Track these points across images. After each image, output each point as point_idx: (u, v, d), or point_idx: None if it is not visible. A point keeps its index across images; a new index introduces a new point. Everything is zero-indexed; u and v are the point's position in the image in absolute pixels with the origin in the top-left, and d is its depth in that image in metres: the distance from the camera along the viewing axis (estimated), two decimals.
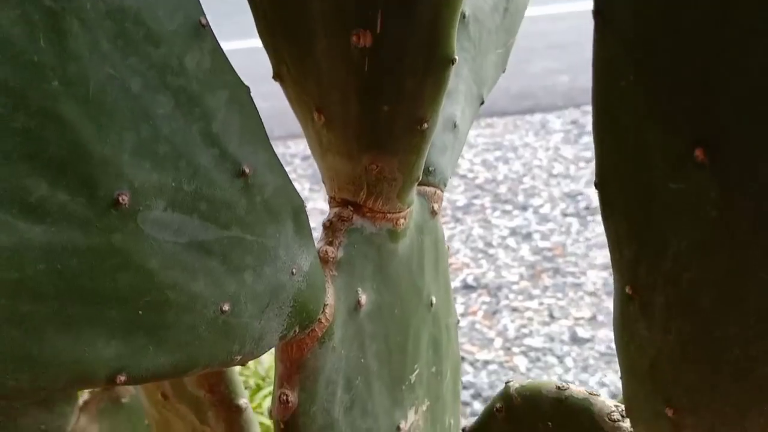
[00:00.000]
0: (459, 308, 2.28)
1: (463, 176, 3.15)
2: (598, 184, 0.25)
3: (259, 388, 1.50)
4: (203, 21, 0.26)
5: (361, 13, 0.31)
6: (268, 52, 0.36)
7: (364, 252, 0.36)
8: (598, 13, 0.21)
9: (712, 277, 0.21)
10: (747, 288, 0.20)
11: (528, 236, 2.81)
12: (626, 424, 0.30)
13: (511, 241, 2.77)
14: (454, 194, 2.98)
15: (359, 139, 0.34)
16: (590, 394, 0.31)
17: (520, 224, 2.89)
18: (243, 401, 0.45)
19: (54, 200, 0.22)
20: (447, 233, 2.55)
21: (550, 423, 0.32)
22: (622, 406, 0.30)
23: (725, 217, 0.20)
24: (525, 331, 2.35)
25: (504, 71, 0.49)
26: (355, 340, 0.37)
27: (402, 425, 0.41)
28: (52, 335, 0.23)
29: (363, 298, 0.36)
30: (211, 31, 0.26)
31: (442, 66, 0.31)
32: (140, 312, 0.26)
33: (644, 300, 0.24)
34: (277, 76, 0.37)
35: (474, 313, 2.36)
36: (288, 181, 0.31)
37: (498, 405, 0.35)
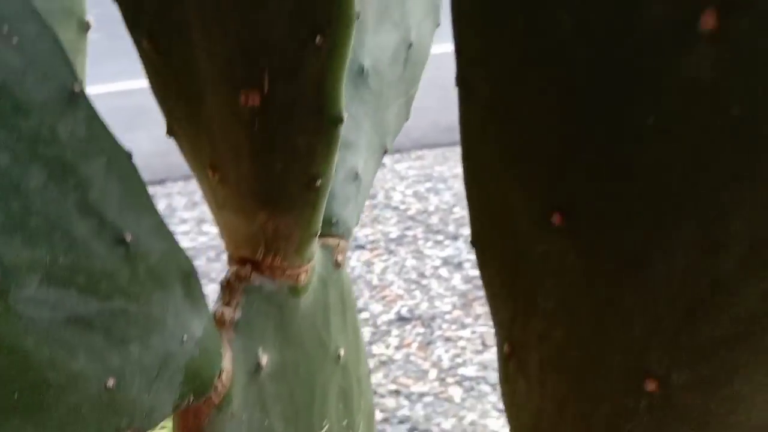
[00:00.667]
0: (394, 341, 2.28)
1: (396, 208, 3.18)
2: (474, 242, 0.25)
3: None
4: (77, 88, 0.25)
5: (248, 74, 0.31)
6: (161, 108, 0.36)
7: (264, 311, 0.36)
8: (460, 84, 0.22)
9: (578, 335, 0.22)
10: (609, 345, 0.21)
11: (459, 265, 2.85)
12: None
13: (443, 271, 2.81)
14: (387, 226, 3.01)
15: (254, 196, 0.34)
16: None
17: (451, 254, 2.93)
18: None
19: None
20: (381, 265, 2.55)
21: None
22: None
23: (583, 278, 0.21)
24: (459, 360, 2.36)
25: (407, 119, 0.49)
26: (257, 403, 0.36)
27: None
28: None
29: (264, 360, 0.36)
30: (86, 97, 0.26)
31: (332, 125, 0.31)
32: (15, 395, 0.24)
33: (521, 358, 0.25)
34: (170, 131, 0.36)
35: (408, 345, 2.36)
36: (175, 245, 0.30)
37: None
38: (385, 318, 2.21)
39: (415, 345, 2.42)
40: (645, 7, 0.16)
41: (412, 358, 2.33)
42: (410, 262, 2.94)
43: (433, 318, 2.56)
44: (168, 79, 0.34)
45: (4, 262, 0.23)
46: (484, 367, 2.34)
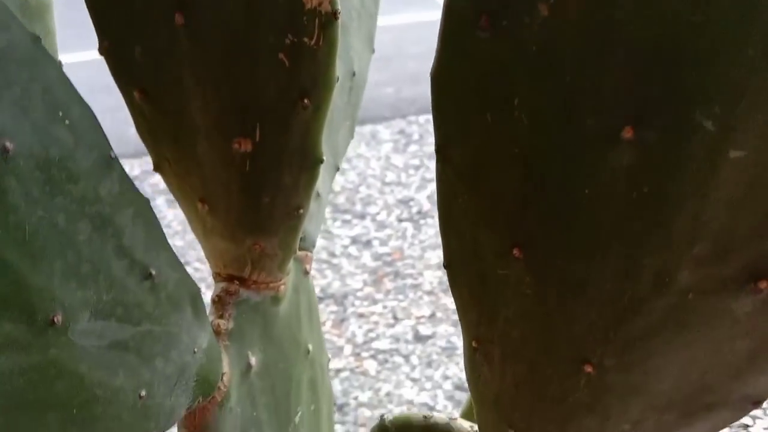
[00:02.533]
0: None
1: None
2: (446, 266, 0.32)
3: None
4: (112, 155, 0.29)
5: (241, 125, 0.36)
6: (147, 147, 0.40)
7: (252, 319, 0.41)
8: (438, 150, 0.29)
9: (531, 335, 0.30)
10: (556, 342, 0.29)
11: (368, 243, 2.94)
12: None
13: (353, 250, 2.88)
14: None
15: (242, 224, 0.39)
16: (450, 419, 0.39)
17: (360, 232, 3.01)
18: None
19: (1, 331, 0.25)
20: None
21: None
22: (476, 427, 0.39)
23: (537, 294, 0.28)
24: (372, 335, 2.46)
25: (353, 138, 0.56)
26: (248, 398, 0.42)
27: None
28: None
29: (253, 361, 0.41)
30: (118, 160, 0.30)
31: (314, 165, 0.37)
32: (74, 411, 0.29)
33: (485, 351, 0.32)
34: (157, 168, 0.41)
35: (323, 324, 2.42)
36: (185, 273, 0.35)
37: None
38: None
39: (329, 323, 2.49)
40: (583, 118, 0.23)
41: (327, 335, 2.40)
42: (320, 242, 2.98)
43: (345, 296, 2.63)
44: (158, 125, 0.38)
45: (65, 303, 0.28)
46: (396, 339, 2.44)
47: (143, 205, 0.32)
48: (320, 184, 0.49)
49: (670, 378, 0.28)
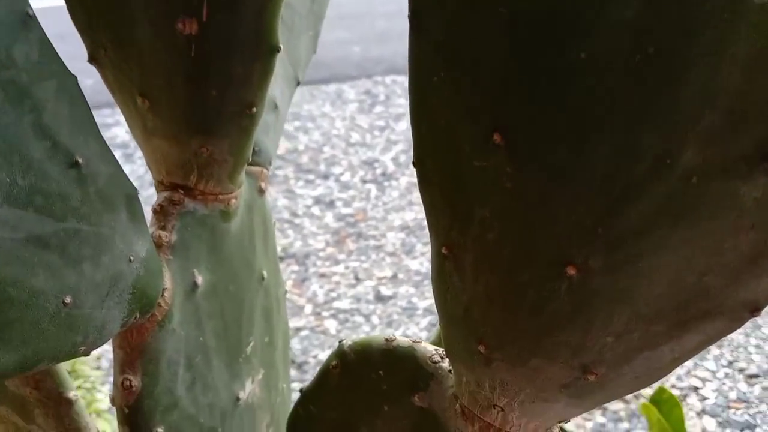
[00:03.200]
0: None
1: None
2: (416, 162, 0.29)
3: None
4: (30, 11, 0.25)
5: (185, 2, 0.32)
6: (82, 35, 0.35)
7: (198, 234, 0.37)
8: (413, 17, 0.25)
9: (509, 236, 0.26)
10: (536, 242, 0.26)
11: (331, 204, 2.90)
12: (445, 364, 0.35)
13: (315, 210, 2.84)
14: None
15: (188, 123, 0.35)
16: (413, 342, 0.35)
17: (323, 193, 2.97)
18: (72, 394, 0.44)
19: None
20: None
21: (381, 372, 0.36)
22: (441, 350, 0.36)
23: (518, 187, 0.25)
24: (333, 295, 2.44)
25: (315, 53, 0.51)
26: (193, 320, 0.38)
27: (241, 395, 0.43)
28: None
29: (199, 279, 0.38)
30: (38, 20, 0.26)
31: (269, 54, 0.33)
32: None
33: (457, 257, 0.29)
34: (93, 59, 0.36)
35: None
36: (120, 170, 0.31)
37: (334, 362, 0.38)
38: None
39: (290, 283, 2.45)
40: None
41: (288, 295, 2.37)
42: (282, 201, 2.94)
43: (307, 255, 2.60)
44: (94, 4, 0.33)
45: None
46: (357, 299, 2.43)
47: (69, 82, 0.27)
48: (278, 95, 0.45)
49: (663, 282, 0.25)
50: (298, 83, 0.48)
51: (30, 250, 0.27)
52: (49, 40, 0.26)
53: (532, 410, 0.31)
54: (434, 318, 2.26)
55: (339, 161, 3.21)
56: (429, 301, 2.36)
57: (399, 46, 4.04)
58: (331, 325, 2.31)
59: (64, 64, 0.27)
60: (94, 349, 0.32)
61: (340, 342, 0.38)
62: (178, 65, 0.33)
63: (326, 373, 0.39)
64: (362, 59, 3.88)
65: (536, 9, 0.21)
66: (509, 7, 0.22)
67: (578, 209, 0.24)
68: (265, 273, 0.45)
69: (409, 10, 0.25)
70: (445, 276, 0.30)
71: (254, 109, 0.35)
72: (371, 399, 0.38)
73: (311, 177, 3.07)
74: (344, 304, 2.42)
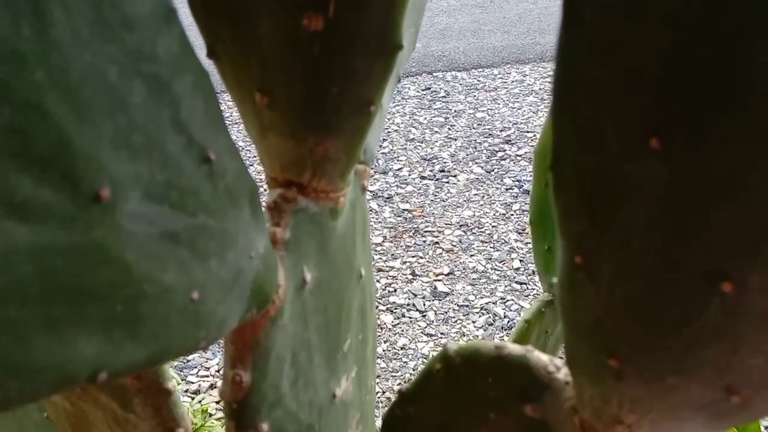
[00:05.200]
0: None
1: None
2: (552, 165, 0.28)
3: None
4: (172, 6, 0.25)
5: None
6: (200, 28, 0.35)
7: (309, 231, 0.37)
8: (568, 7, 0.24)
9: (657, 245, 0.25)
10: (688, 253, 0.24)
11: (389, 199, 2.90)
12: (561, 375, 0.34)
13: (373, 204, 2.85)
14: None
15: (305, 120, 0.35)
16: (527, 350, 0.34)
17: (381, 187, 2.97)
18: (171, 384, 0.44)
19: (39, 198, 0.21)
20: None
21: (489, 379, 0.35)
22: (556, 359, 0.34)
23: (673, 195, 0.24)
24: (390, 289, 2.44)
25: (414, 49, 0.50)
26: (300, 317, 0.38)
27: (337, 392, 0.43)
28: (37, 340, 0.22)
29: (308, 276, 0.37)
30: (178, 14, 0.25)
31: (392, 51, 0.32)
32: (118, 307, 0.25)
33: (592, 267, 0.27)
34: (211, 53, 0.36)
35: None
36: (243, 165, 0.31)
37: (438, 366, 0.37)
38: None
39: None
40: None
41: None
42: None
43: None
44: None
45: (114, 176, 0.24)
46: (413, 295, 2.42)
47: (203, 76, 0.27)
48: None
49: None
50: (399, 80, 0.47)
51: (163, 245, 0.27)
52: (186, 35, 0.26)
53: (663, 429, 0.29)
54: (491, 317, 2.24)
55: (398, 156, 3.21)
56: (486, 299, 2.34)
57: (460, 43, 4.00)
58: (387, 319, 2.31)
59: (199, 60, 0.27)
60: (212, 344, 0.32)
61: (444, 345, 0.37)
62: (300, 62, 0.33)
63: (429, 375, 0.38)
64: (423, 55, 3.86)
65: (719, 7, 0.20)
66: (689, 5, 0.20)
67: (741, 221, 0.23)
68: (363, 271, 0.44)
69: (564, 10, 0.24)
70: (576, 287, 0.28)
71: (372, 108, 0.34)
72: (476, 406, 0.37)
73: (370, 171, 3.07)
74: (400, 298, 2.41)
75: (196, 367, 2.00)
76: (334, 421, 0.43)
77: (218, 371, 1.99)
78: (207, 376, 1.99)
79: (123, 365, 0.26)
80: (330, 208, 0.38)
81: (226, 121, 0.31)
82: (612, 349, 0.28)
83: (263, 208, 0.38)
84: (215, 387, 1.94)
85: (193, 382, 1.96)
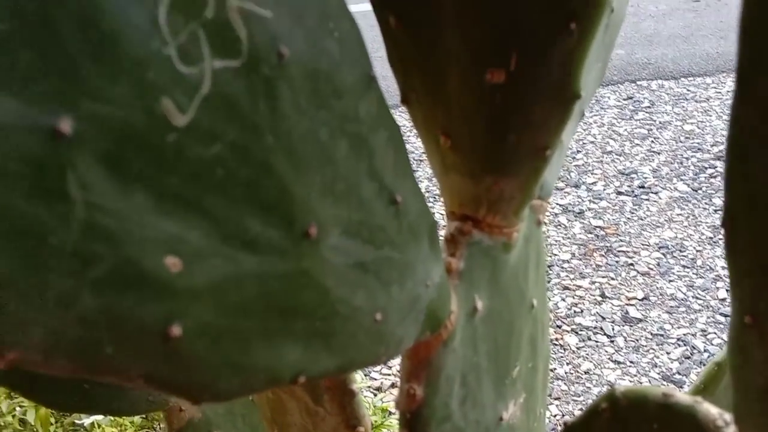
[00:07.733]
0: None
1: None
2: (726, 221, 0.28)
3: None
4: (372, 73, 0.29)
5: (495, 53, 0.34)
6: (396, 77, 0.40)
7: (481, 263, 0.40)
8: (742, 86, 0.24)
9: None
10: None
11: (580, 214, 2.80)
12: (730, 430, 0.33)
13: (562, 219, 2.77)
14: None
15: (484, 162, 0.38)
16: (695, 401, 0.34)
17: (572, 201, 2.89)
18: (355, 386, 0.50)
19: (264, 236, 0.27)
20: None
21: (655, 425, 0.36)
22: (725, 414, 0.34)
23: None
24: (576, 309, 2.36)
25: (600, 83, 0.51)
26: (470, 342, 0.41)
27: (504, 416, 0.45)
28: (256, 346, 0.28)
29: (479, 305, 0.40)
30: (377, 81, 0.30)
31: (571, 101, 0.34)
32: (317, 323, 0.30)
33: (763, 329, 0.27)
34: (404, 101, 0.40)
35: None
36: (425, 204, 0.35)
37: (603, 405, 0.38)
38: None
39: None
40: None
41: None
42: None
43: (550, 265, 2.55)
44: (410, 54, 0.38)
45: (320, 217, 0.29)
46: (601, 318, 2.32)
47: (396, 131, 0.32)
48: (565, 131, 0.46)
49: None
50: (582, 115, 0.48)
51: (355, 273, 0.31)
52: (383, 97, 0.31)
53: None
54: (688, 349, 2.07)
55: (592, 170, 3.09)
56: (684, 329, 2.17)
57: (668, 50, 3.75)
58: (572, 340, 2.25)
59: (392, 116, 0.32)
60: (391, 359, 0.36)
61: (611, 386, 0.38)
62: (482, 111, 0.36)
63: (594, 413, 0.39)
64: (626, 62, 3.68)
65: None
66: None
67: None
68: (534, 302, 0.46)
69: (737, 80, 0.24)
70: (745, 346, 0.28)
71: (548, 152, 0.36)
72: None
73: (560, 185, 2.99)
74: (587, 320, 2.33)
75: (379, 365, 2.11)
76: None
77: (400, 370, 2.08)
78: (389, 375, 2.08)
79: (318, 371, 0.31)
80: (503, 242, 0.41)
81: (415, 159, 0.35)
82: None
83: (441, 240, 0.42)
84: (396, 386, 2.03)
85: (376, 379, 2.06)
